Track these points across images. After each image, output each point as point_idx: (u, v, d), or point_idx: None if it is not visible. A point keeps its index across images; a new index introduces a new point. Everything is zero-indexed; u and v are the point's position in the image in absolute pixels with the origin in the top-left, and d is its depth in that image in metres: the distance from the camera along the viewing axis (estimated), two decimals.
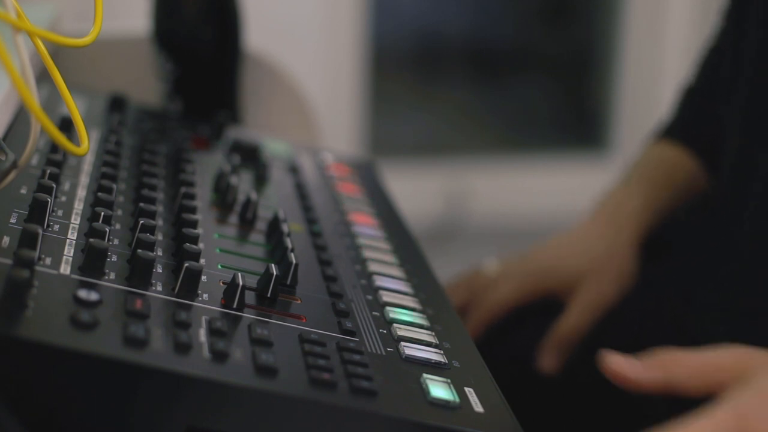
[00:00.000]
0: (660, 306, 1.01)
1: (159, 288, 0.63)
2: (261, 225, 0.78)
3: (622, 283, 1.04)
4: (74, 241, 0.65)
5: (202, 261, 0.68)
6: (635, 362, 0.68)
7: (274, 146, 0.97)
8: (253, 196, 0.79)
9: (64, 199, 0.71)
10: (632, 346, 0.81)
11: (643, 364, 0.68)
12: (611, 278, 1.03)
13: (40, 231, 0.61)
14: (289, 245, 0.73)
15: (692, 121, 1.08)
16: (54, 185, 0.68)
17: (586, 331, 1.03)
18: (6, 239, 0.62)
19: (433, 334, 0.69)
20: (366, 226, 0.85)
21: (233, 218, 0.78)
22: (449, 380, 0.64)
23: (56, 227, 0.66)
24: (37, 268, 0.60)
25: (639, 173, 1.09)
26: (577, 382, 1.00)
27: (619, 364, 0.68)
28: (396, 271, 0.78)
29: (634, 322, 1.02)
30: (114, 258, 0.64)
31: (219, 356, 0.58)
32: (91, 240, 0.63)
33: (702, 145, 1.06)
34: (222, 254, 0.72)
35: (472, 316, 1.05)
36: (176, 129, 0.93)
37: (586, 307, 1.02)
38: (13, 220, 0.64)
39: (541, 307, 1.05)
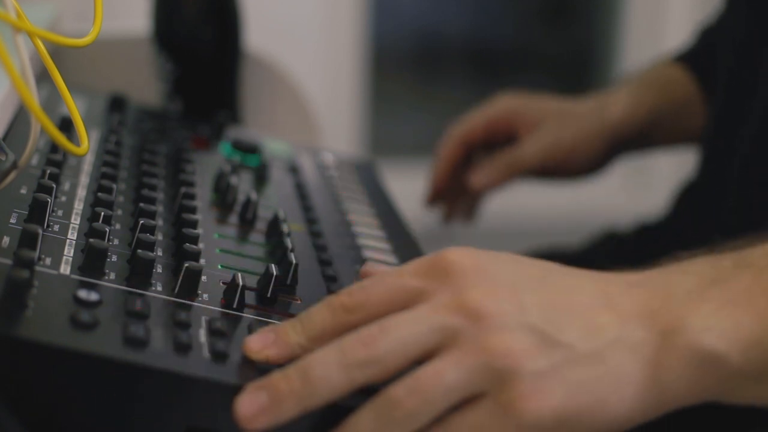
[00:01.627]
0: None
1: (159, 288, 0.63)
2: (261, 225, 0.78)
3: (584, 151, 1.07)
4: (74, 241, 0.65)
5: (202, 261, 0.68)
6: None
7: (274, 146, 0.97)
8: (253, 196, 0.79)
9: (64, 199, 0.71)
10: None
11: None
12: (575, 135, 1.06)
13: (40, 231, 0.61)
14: (289, 245, 0.72)
15: (700, 50, 1.10)
16: (54, 185, 0.68)
17: (531, 168, 1.07)
18: (6, 239, 0.62)
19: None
20: (366, 226, 0.85)
21: (233, 218, 0.78)
22: None
23: (56, 227, 0.66)
24: (37, 268, 0.60)
25: (641, 79, 1.12)
26: None
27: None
28: None
29: None
30: (114, 258, 0.64)
31: (219, 356, 0.58)
32: (91, 240, 0.63)
33: (705, 73, 1.08)
34: (222, 254, 0.72)
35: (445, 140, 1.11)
36: (176, 129, 0.93)
37: (541, 148, 1.06)
38: (13, 220, 0.64)
39: None
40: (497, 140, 1.10)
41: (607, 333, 0.54)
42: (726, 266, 0.58)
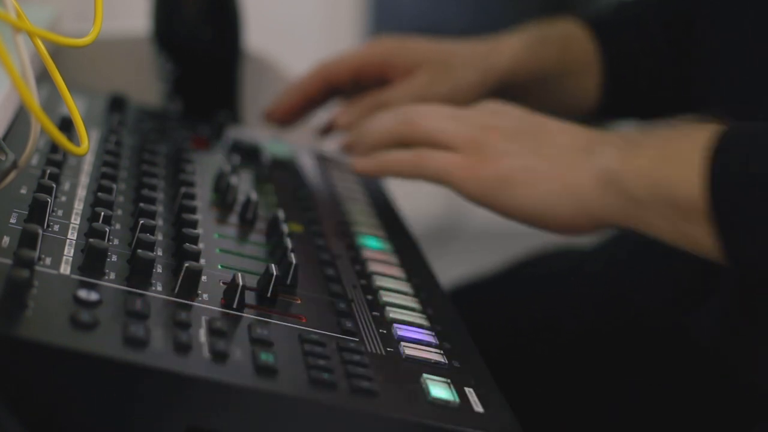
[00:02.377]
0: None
1: (159, 288, 0.63)
2: (261, 225, 0.78)
3: (461, 103, 0.99)
4: (74, 241, 0.65)
5: (202, 261, 0.68)
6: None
7: (274, 146, 0.97)
8: (253, 196, 0.79)
9: (64, 199, 0.71)
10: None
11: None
12: (451, 88, 1.01)
13: (40, 231, 0.61)
14: (289, 245, 0.73)
15: (611, 20, 1.07)
16: (54, 185, 0.68)
17: None
18: (6, 239, 0.62)
19: (433, 334, 0.69)
20: (366, 226, 0.85)
21: (233, 218, 0.78)
22: (449, 380, 0.64)
23: (56, 227, 0.66)
24: (37, 268, 0.60)
25: (539, 31, 1.07)
26: (577, 382, 1.00)
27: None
28: (396, 271, 0.78)
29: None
30: (114, 258, 0.64)
31: (219, 356, 0.58)
32: (91, 240, 0.63)
33: (609, 43, 1.05)
34: (222, 254, 0.72)
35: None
36: (176, 129, 0.93)
37: (410, 96, 1.00)
38: (13, 220, 0.64)
39: (540, 328, 1.04)
40: (367, 86, 1.02)
41: (556, 146, 0.79)
42: (644, 134, 0.79)
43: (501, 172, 0.79)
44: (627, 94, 1.07)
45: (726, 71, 0.95)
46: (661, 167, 0.74)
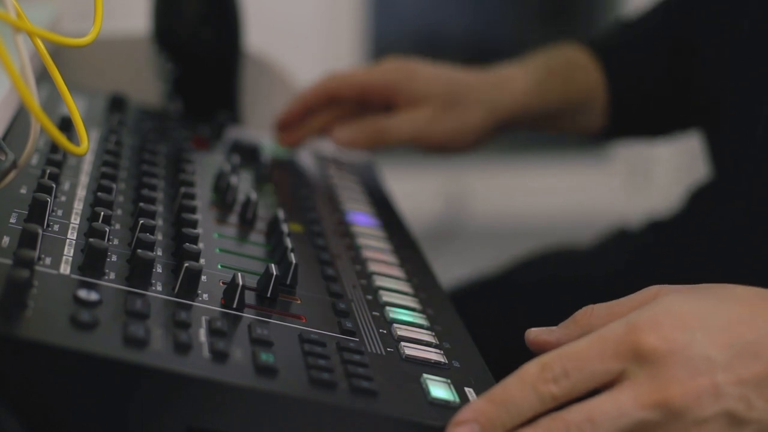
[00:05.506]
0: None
1: (159, 288, 0.63)
2: (261, 225, 0.78)
3: (464, 138, 1.02)
4: (74, 241, 0.65)
5: (202, 261, 0.68)
6: (552, 328, 0.65)
7: (274, 146, 0.97)
8: (253, 196, 0.79)
9: (64, 199, 0.71)
10: None
11: (561, 326, 0.65)
12: (455, 126, 1.01)
13: (40, 231, 0.61)
14: (289, 245, 0.72)
15: (614, 42, 1.07)
16: (54, 185, 0.68)
17: (397, 144, 1.01)
18: (6, 239, 0.62)
19: (433, 334, 0.69)
20: (366, 225, 0.85)
21: (233, 218, 0.78)
22: (449, 380, 0.64)
23: (56, 227, 0.66)
24: (37, 268, 0.60)
25: (545, 62, 1.07)
26: None
27: (537, 333, 0.66)
28: (396, 271, 0.78)
29: None
30: (114, 258, 0.64)
31: (219, 356, 0.58)
32: (91, 240, 0.63)
33: (611, 58, 1.05)
34: (222, 254, 0.72)
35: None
36: (176, 129, 0.93)
37: (412, 130, 1.00)
38: (13, 220, 0.64)
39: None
40: (371, 106, 1.03)
41: None
42: None
43: None
44: (631, 117, 1.08)
45: (733, 80, 0.96)
46: None
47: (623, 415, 0.58)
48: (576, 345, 0.60)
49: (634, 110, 1.08)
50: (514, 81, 1.04)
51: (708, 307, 0.61)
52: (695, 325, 0.60)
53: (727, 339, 0.60)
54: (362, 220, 0.86)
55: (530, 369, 0.60)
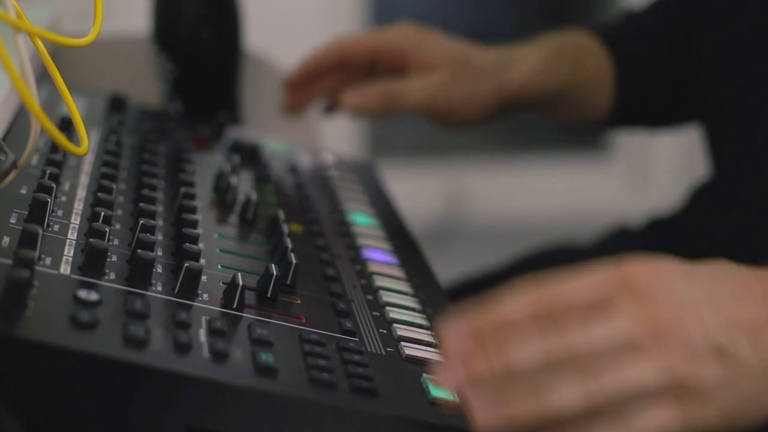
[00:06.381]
0: None
1: (159, 288, 0.63)
2: (261, 225, 0.78)
3: (473, 109, 1.00)
4: (74, 241, 0.65)
5: (202, 261, 0.68)
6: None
7: (274, 146, 0.97)
8: (253, 196, 0.79)
9: (64, 199, 0.71)
10: None
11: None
12: (466, 94, 1.00)
13: (40, 231, 0.61)
14: (289, 245, 0.72)
15: (621, 31, 1.07)
16: (54, 185, 0.68)
17: (410, 110, 0.99)
18: (6, 239, 0.62)
19: (433, 334, 0.69)
20: (366, 226, 0.85)
21: (233, 218, 0.78)
22: None
23: (56, 227, 0.66)
24: (37, 268, 0.60)
25: (555, 45, 1.06)
26: None
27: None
28: (396, 271, 0.78)
29: None
30: (114, 258, 0.64)
31: (219, 356, 0.58)
32: (91, 240, 0.63)
33: (619, 47, 1.05)
34: (222, 254, 0.72)
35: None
36: (176, 129, 0.93)
37: (426, 96, 0.98)
38: (13, 220, 0.64)
39: None
40: (382, 71, 1.02)
41: None
42: None
43: (721, 411, 0.59)
44: (637, 106, 1.08)
45: (733, 79, 0.96)
46: None
47: (615, 333, 0.57)
48: (564, 283, 0.59)
49: (639, 99, 1.08)
50: (524, 60, 1.04)
51: (687, 266, 0.61)
52: (679, 276, 0.60)
53: (711, 288, 0.60)
54: (363, 221, 0.86)
55: (518, 304, 0.58)
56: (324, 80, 1.01)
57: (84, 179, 0.75)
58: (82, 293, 0.59)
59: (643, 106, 1.09)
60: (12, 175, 0.62)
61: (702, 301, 0.59)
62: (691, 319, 0.58)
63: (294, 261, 0.70)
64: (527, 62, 1.03)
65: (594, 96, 1.06)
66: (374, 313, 0.70)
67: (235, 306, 0.64)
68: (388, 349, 0.66)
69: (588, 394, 0.56)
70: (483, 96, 1.01)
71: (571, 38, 1.07)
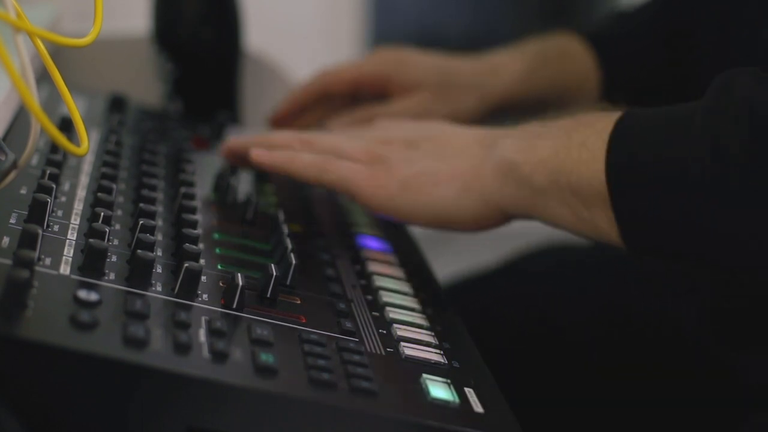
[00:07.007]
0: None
1: (159, 288, 0.63)
2: (261, 225, 0.78)
3: (450, 119, 0.99)
4: (74, 242, 0.65)
5: (202, 261, 0.68)
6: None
7: None
8: (253, 196, 0.79)
9: (64, 199, 0.71)
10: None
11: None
12: (451, 112, 1.01)
13: (40, 231, 0.61)
14: (289, 245, 0.73)
15: (609, 33, 1.07)
16: (54, 185, 0.68)
17: None
18: (6, 239, 0.62)
19: (433, 334, 0.69)
20: (366, 226, 0.85)
21: (233, 218, 0.78)
22: (449, 380, 0.64)
23: (56, 227, 0.66)
24: (37, 268, 0.60)
25: (540, 50, 1.07)
26: (574, 377, 1.00)
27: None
28: (396, 271, 0.78)
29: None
30: (114, 258, 0.64)
31: (219, 356, 0.58)
32: (91, 240, 0.63)
33: (606, 48, 1.05)
34: (222, 254, 0.72)
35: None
36: (176, 129, 0.93)
37: (407, 115, 0.99)
38: (13, 220, 0.64)
39: (537, 324, 1.04)
40: (365, 98, 1.03)
41: (455, 146, 0.79)
42: (544, 125, 0.77)
43: (401, 178, 0.78)
44: (628, 106, 1.08)
45: None
46: (561, 155, 0.73)
47: (349, 139, 0.82)
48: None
49: (630, 99, 1.07)
50: (506, 68, 1.04)
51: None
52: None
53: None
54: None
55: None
56: (308, 114, 1.03)
57: (84, 179, 0.75)
58: (82, 293, 0.59)
59: (634, 105, 1.08)
60: (12, 175, 0.62)
61: (407, 126, 0.84)
62: (395, 129, 0.84)
63: (294, 261, 0.70)
64: (508, 70, 1.04)
65: (580, 98, 1.07)
66: (374, 313, 0.70)
67: (234, 306, 0.64)
68: (388, 349, 0.66)
69: (317, 157, 0.80)
70: (467, 109, 1.02)
71: (554, 42, 1.07)
